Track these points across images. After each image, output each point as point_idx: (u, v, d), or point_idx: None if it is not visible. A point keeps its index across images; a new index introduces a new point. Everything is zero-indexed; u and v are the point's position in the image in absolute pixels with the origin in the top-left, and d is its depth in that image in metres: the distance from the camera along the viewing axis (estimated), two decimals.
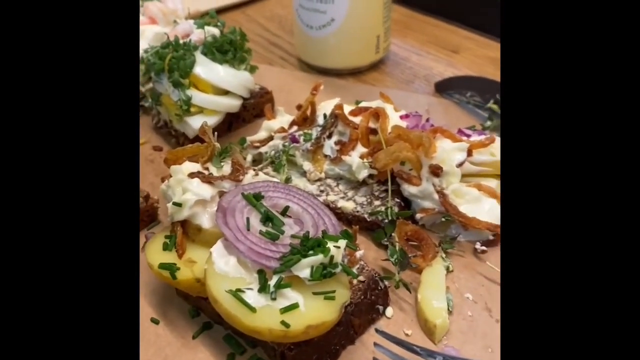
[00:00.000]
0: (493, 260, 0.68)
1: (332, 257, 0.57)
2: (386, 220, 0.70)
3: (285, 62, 1.14)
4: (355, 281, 0.63)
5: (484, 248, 0.69)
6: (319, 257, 0.57)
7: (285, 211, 0.64)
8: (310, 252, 0.57)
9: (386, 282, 0.65)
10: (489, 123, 0.89)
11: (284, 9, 1.34)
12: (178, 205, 0.63)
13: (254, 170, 0.72)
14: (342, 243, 0.59)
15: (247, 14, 1.34)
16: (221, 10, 1.34)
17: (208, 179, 0.65)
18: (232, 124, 0.93)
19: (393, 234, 0.69)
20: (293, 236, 0.60)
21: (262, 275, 0.57)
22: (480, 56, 1.12)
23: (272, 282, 0.57)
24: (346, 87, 1.04)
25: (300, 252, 0.57)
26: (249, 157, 0.84)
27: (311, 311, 0.55)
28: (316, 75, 1.07)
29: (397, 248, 0.66)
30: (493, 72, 1.06)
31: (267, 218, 0.62)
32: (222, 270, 0.58)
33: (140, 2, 1.03)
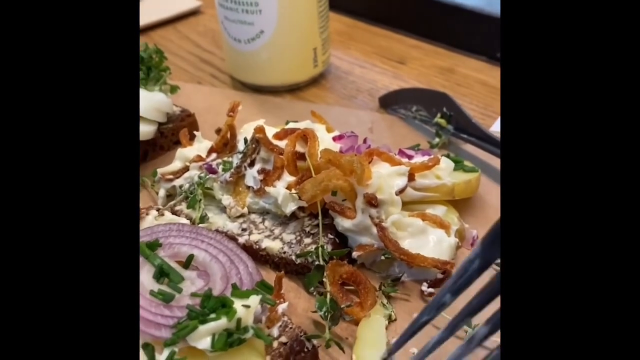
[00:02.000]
0: None
1: (239, 320, 0.46)
2: (317, 263, 0.59)
3: (216, 79, 1.03)
4: (275, 343, 0.51)
5: (431, 290, 0.59)
6: (222, 322, 0.45)
7: (189, 261, 0.53)
8: (212, 315, 0.46)
9: (315, 341, 0.53)
10: (436, 140, 0.80)
11: (218, 23, 1.23)
12: None
13: (158, 209, 0.60)
14: (254, 300, 0.48)
15: (179, 30, 1.23)
16: (151, 27, 1.23)
17: None
18: (148, 153, 0.82)
19: (324, 280, 0.58)
20: (193, 294, 0.49)
21: (149, 350, 0.45)
22: (429, 66, 1.04)
23: (162, 357, 0.45)
24: (282, 105, 0.94)
25: (199, 317, 0.46)
26: (162, 192, 0.72)
27: None
28: (249, 94, 0.97)
29: (327, 298, 0.55)
30: (442, 83, 0.98)
31: (161, 273, 0.50)
32: None
33: None
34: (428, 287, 0.59)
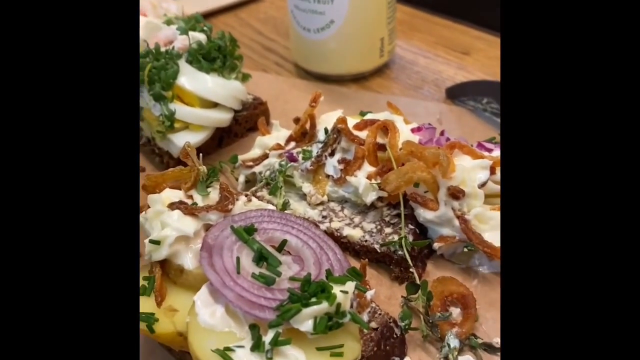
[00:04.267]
0: None
1: (338, 304, 0.48)
2: (400, 252, 0.61)
3: (282, 68, 1.05)
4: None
5: None
6: (324, 306, 0.47)
7: (282, 246, 0.55)
8: (313, 299, 0.48)
9: (402, 324, 0.55)
10: None
11: (279, 10, 1.25)
12: (156, 243, 0.53)
13: (246, 195, 0.62)
14: (350, 286, 0.50)
15: (240, 17, 1.25)
16: (212, 14, 1.25)
17: (191, 211, 0.55)
18: (222, 140, 0.84)
19: (411, 270, 0.59)
20: (292, 278, 0.51)
21: (256, 331, 0.48)
22: (493, 57, 1.03)
23: (268, 337, 0.47)
24: (348, 95, 0.95)
25: (301, 300, 0.48)
26: (242, 178, 0.74)
27: None
28: (315, 83, 0.98)
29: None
30: None
31: (260, 257, 0.52)
32: (208, 324, 0.49)
33: None
34: None
